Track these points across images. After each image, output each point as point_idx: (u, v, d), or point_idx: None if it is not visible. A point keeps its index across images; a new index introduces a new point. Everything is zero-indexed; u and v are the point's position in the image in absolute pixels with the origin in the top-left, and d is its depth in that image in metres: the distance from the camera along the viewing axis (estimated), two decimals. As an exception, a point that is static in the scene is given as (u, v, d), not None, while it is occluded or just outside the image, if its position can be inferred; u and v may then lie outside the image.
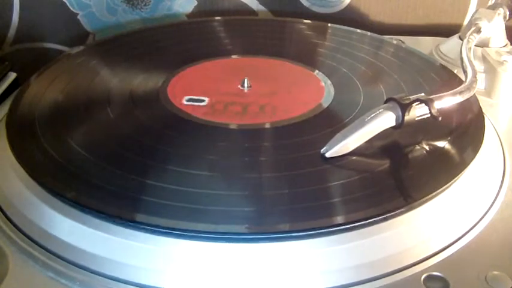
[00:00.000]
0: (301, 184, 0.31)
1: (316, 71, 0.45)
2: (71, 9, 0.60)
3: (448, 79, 0.43)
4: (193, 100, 0.40)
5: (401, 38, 0.53)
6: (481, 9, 0.48)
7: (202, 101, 0.40)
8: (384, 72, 0.45)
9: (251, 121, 0.37)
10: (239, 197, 0.30)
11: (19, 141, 0.34)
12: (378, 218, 0.28)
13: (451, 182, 0.31)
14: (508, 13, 0.48)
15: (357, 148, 0.33)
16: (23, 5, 0.59)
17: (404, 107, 0.33)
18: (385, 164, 0.33)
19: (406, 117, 0.33)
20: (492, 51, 0.46)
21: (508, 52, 0.46)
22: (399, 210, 0.29)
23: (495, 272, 0.27)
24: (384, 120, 0.33)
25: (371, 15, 0.62)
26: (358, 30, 0.53)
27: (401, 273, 0.27)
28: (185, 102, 0.39)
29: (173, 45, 0.51)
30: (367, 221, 0.28)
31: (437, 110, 0.33)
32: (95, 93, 0.41)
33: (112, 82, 0.43)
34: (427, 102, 0.33)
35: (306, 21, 0.56)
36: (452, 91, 0.35)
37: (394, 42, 0.51)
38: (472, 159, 0.33)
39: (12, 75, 0.46)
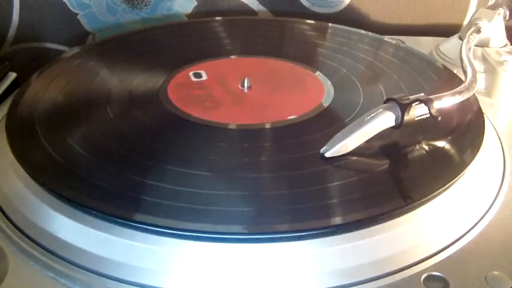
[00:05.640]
0: (300, 184, 0.31)
1: (317, 72, 0.45)
2: (71, 9, 0.60)
3: (448, 79, 0.42)
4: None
5: (401, 38, 0.53)
6: (481, 9, 0.48)
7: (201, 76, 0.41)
8: (384, 72, 0.45)
9: (251, 121, 0.37)
10: (238, 197, 0.30)
11: (19, 141, 0.34)
12: (378, 218, 0.28)
13: (451, 182, 0.31)
14: (508, 13, 0.48)
15: (356, 148, 0.33)
16: (23, 5, 0.59)
17: (404, 107, 0.33)
18: (385, 164, 0.33)
19: (406, 117, 0.33)
20: (492, 51, 0.46)
21: (508, 52, 0.46)
22: (399, 211, 0.29)
23: (495, 272, 0.27)
24: (384, 120, 0.33)
25: (371, 15, 0.62)
26: (358, 30, 0.53)
27: (401, 273, 0.27)
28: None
29: (173, 45, 0.51)
30: (367, 222, 0.28)
31: (437, 110, 0.33)
32: (94, 93, 0.41)
33: (112, 82, 0.43)
34: (427, 102, 0.33)
35: (306, 21, 0.56)
36: (452, 91, 0.35)
37: (394, 42, 0.51)
38: (472, 159, 0.32)
39: (12, 75, 0.46)
